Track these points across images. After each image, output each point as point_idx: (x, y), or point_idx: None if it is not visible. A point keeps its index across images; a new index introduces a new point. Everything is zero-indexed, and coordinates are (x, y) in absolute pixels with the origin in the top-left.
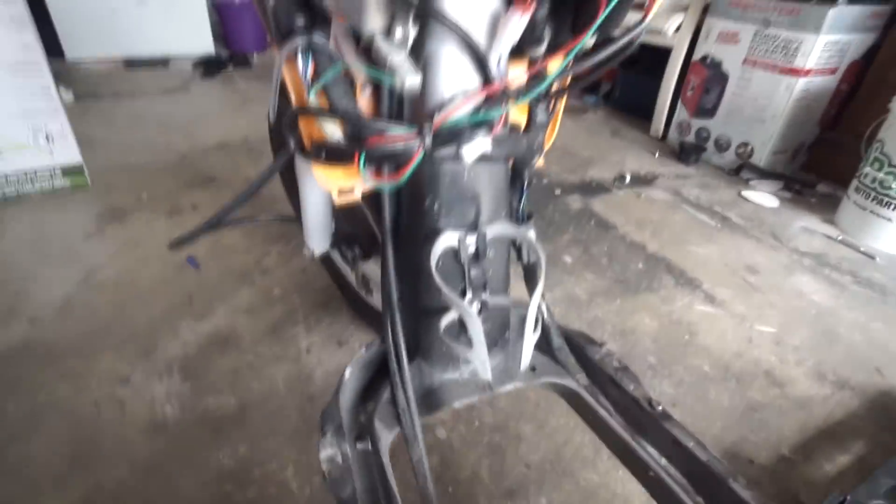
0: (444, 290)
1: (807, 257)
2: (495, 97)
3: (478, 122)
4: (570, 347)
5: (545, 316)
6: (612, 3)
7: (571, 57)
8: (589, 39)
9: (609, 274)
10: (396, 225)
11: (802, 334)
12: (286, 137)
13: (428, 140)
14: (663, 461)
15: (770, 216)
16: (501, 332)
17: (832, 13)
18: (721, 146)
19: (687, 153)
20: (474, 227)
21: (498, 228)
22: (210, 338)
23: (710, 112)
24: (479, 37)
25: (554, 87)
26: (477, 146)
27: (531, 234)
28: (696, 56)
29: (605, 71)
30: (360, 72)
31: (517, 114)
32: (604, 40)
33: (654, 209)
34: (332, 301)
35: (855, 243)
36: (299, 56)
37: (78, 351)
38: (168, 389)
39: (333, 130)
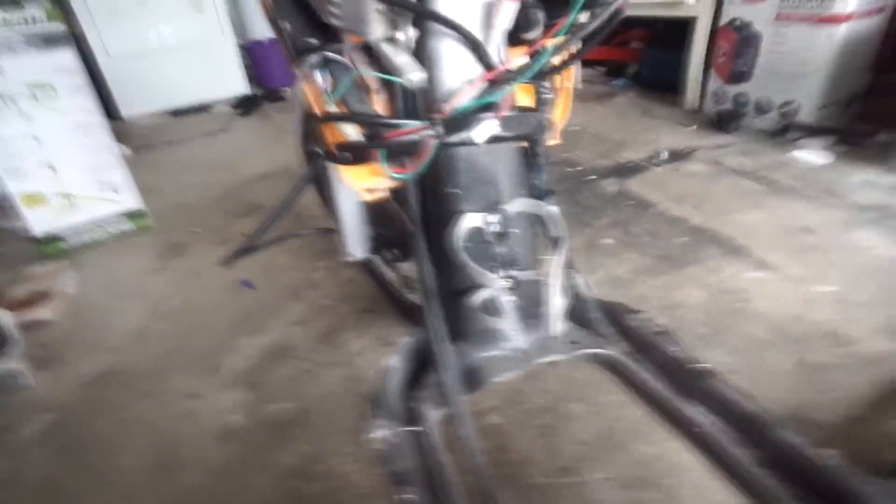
0: (469, 266)
1: (868, 211)
2: (497, 81)
3: (484, 106)
4: (608, 318)
5: (581, 289)
6: None
7: (563, 34)
8: (581, 15)
9: (651, 251)
10: (425, 215)
11: (868, 291)
12: (314, 147)
13: (439, 129)
14: (711, 418)
15: (823, 173)
16: (535, 307)
17: None
18: (762, 108)
19: (725, 121)
20: (496, 206)
21: (519, 205)
22: (268, 350)
23: (745, 76)
24: (475, 28)
25: (556, 64)
26: (486, 128)
27: (553, 208)
28: (723, 21)
29: (597, 43)
30: (372, 77)
31: (524, 95)
32: (592, 14)
33: (695, 182)
34: (377, 306)
35: None
36: (316, 71)
37: (153, 373)
38: (234, 400)
39: (354, 133)
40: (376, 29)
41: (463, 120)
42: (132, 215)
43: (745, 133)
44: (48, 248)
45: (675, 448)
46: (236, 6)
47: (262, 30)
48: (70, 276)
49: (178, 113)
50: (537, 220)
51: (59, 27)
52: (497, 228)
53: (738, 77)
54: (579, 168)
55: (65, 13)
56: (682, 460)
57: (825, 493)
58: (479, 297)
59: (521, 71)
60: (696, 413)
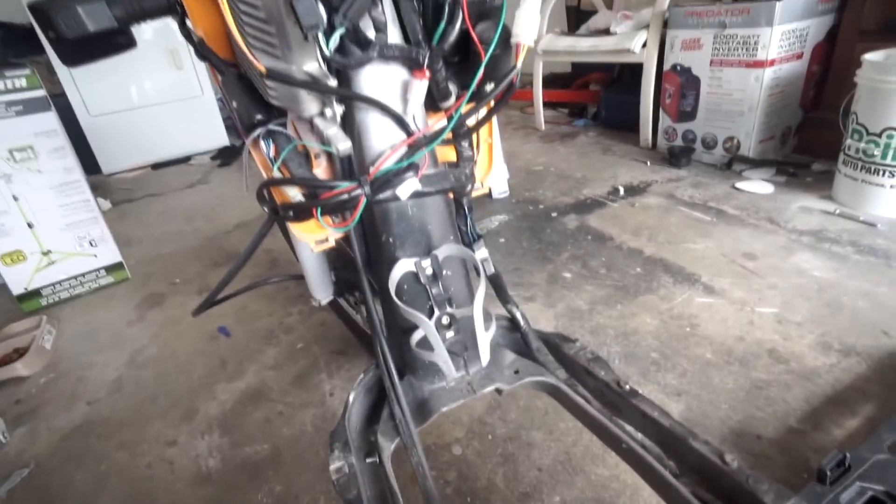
0: (401, 308)
1: (805, 235)
2: (416, 145)
3: (406, 167)
4: (548, 348)
5: (522, 323)
6: (485, 62)
7: (463, 105)
8: (487, 85)
9: (608, 282)
10: (371, 261)
11: (805, 310)
12: (260, 206)
13: (367, 188)
14: (639, 435)
15: (765, 202)
16: (475, 341)
17: (780, 6)
18: (708, 144)
19: (677, 157)
20: (427, 252)
21: (447, 250)
22: (243, 394)
23: (690, 114)
24: (394, 102)
25: (471, 125)
26: (409, 186)
27: (481, 251)
28: (667, 66)
29: (501, 109)
30: (313, 147)
31: (447, 153)
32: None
33: (650, 215)
34: (348, 347)
35: (854, 214)
36: (261, 141)
37: (130, 422)
38: (210, 445)
39: (296, 194)
40: (309, 107)
41: (388, 179)
42: (110, 268)
43: (696, 167)
44: (27, 304)
45: (629, 469)
46: None
47: None
48: (48, 331)
49: (158, 165)
50: (468, 262)
51: (39, 93)
52: (430, 272)
53: (684, 116)
54: (542, 206)
55: (48, 73)
56: (635, 480)
57: (730, 494)
58: (416, 335)
59: (436, 135)
60: (626, 431)
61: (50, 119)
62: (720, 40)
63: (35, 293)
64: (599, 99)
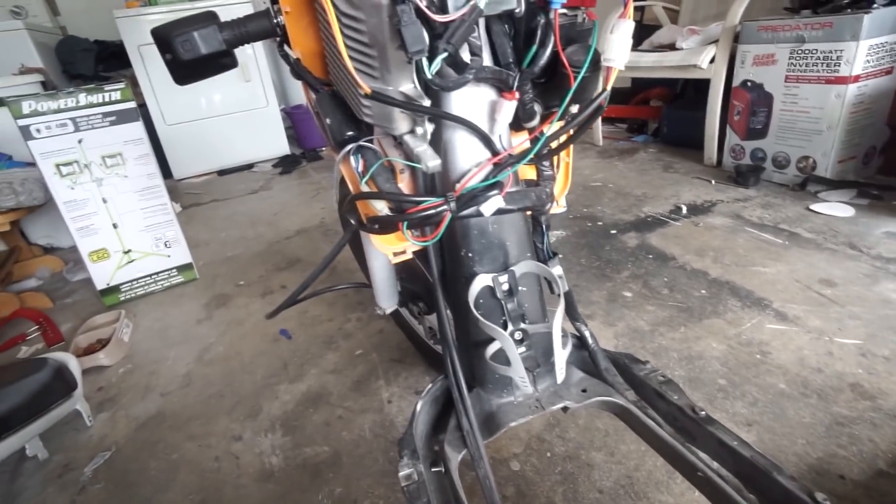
0: (481, 321)
1: (893, 263)
2: (501, 164)
3: (490, 185)
4: (616, 368)
5: (591, 341)
6: (576, 84)
7: (553, 126)
8: (573, 107)
9: (671, 303)
10: (445, 274)
11: (893, 344)
12: (348, 218)
13: (452, 205)
14: (715, 464)
15: (845, 226)
16: (546, 357)
17: (869, 19)
18: (780, 163)
19: (745, 176)
20: (504, 267)
21: (524, 267)
22: (304, 397)
23: (761, 132)
24: (482, 121)
25: (554, 146)
26: (492, 203)
27: (556, 269)
28: (736, 82)
29: (587, 129)
30: (398, 163)
31: (528, 172)
32: (581, 106)
33: (715, 236)
34: (406, 356)
35: None
36: (351, 157)
37: (199, 416)
38: (273, 443)
39: (382, 207)
40: (400, 125)
41: (473, 196)
42: (181, 268)
43: (765, 187)
44: (108, 298)
45: (695, 499)
46: (279, 75)
47: (301, 96)
48: (126, 325)
49: (224, 172)
50: (544, 279)
51: (130, 105)
52: (506, 287)
53: (754, 133)
54: (600, 223)
55: (132, 86)
56: None
57: None
58: (490, 348)
59: (522, 155)
60: (700, 459)
61: (138, 128)
62: (797, 55)
63: (115, 289)
64: (661, 115)
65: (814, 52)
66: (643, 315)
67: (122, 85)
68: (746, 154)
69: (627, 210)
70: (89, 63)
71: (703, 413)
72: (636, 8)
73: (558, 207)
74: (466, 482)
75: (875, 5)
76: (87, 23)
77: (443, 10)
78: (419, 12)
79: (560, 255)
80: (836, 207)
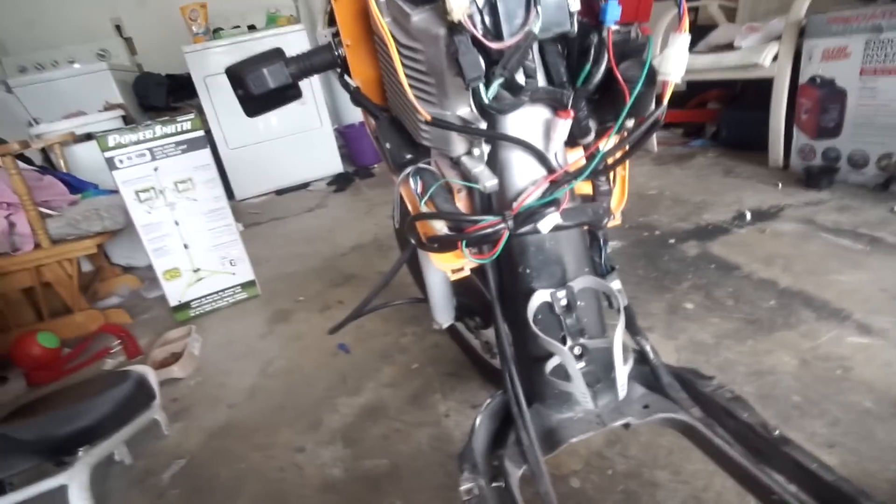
0: (540, 337)
1: None
2: (557, 182)
3: (547, 203)
4: (680, 384)
5: (652, 356)
6: (632, 100)
7: (609, 142)
8: (629, 121)
9: (736, 315)
10: (502, 290)
11: None
12: (408, 237)
13: (510, 223)
14: (793, 488)
15: None
16: (606, 372)
17: None
18: (857, 163)
19: (816, 178)
20: (563, 283)
21: (582, 282)
22: (363, 410)
23: (833, 131)
24: (537, 140)
25: (610, 162)
26: (549, 220)
27: (615, 283)
28: (803, 79)
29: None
30: (455, 183)
31: (584, 187)
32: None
33: (784, 243)
34: (462, 370)
35: None
36: (410, 179)
37: (264, 427)
38: (334, 455)
39: (441, 227)
40: (458, 147)
41: (530, 214)
42: (245, 285)
43: (840, 189)
44: (179, 314)
45: None
46: (332, 96)
47: (353, 115)
48: (196, 339)
49: (281, 192)
50: (603, 294)
51: (199, 133)
52: (564, 302)
53: (825, 132)
54: (657, 232)
55: (200, 114)
56: None
57: None
58: (550, 363)
59: (578, 172)
60: (775, 481)
61: (206, 155)
62: (874, 46)
63: (186, 305)
64: (719, 117)
65: (893, 41)
66: (706, 328)
67: (191, 116)
68: (817, 154)
69: (686, 218)
70: (161, 96)
71: (778, 432)
72: (690, 8)
73: (615, 221)
74: (526, 498)
75: None
76: (159, 59)
77: (498, 37)
78: (475, 41)
79: (618, 268)
80: None
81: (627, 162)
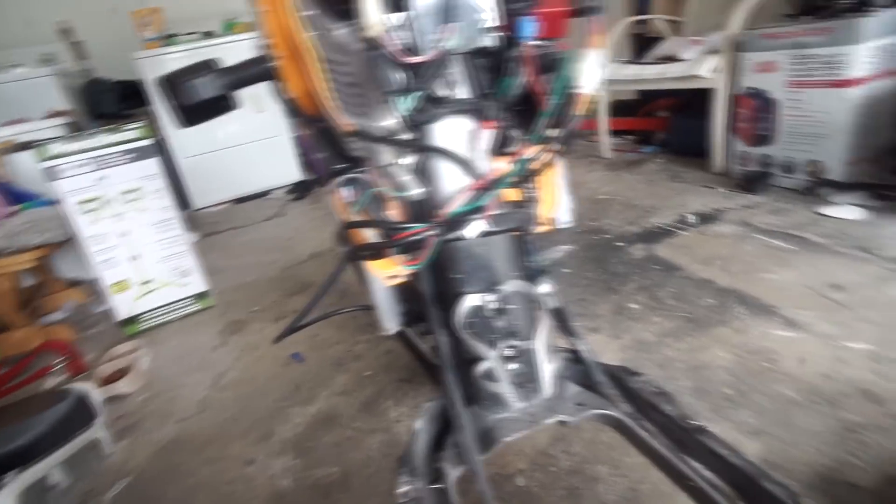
0: (467, 340)
1: None
2: (483, 188)
3: (473, 209)
4: (612, 381)
5: (586, 355)
6: (548, 112)
7: (527, 152)
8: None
9: (677, 314)
10: (440, 295)
11: None
12: (341, 246)
13: (437, 230)
14: (708, 474)
15: (856, 229)
16: (539, 373)
17: (868, 22)
18: (788, 168)
19: (753, 182)
20: (493, 287)
21: (512, 286)
22: (315, 418)
23: (767, 138)
24: (463, 150)
25: (536, 167)
26: (476, 226)
27: (545, 286)
28: (740, 90)
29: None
30: (386, 192)
31: (513, 194)
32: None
33: (722, 244)
34: (415, 376)
35: None
36: (343, 187)
37: (215, 440)
38: (284, 465)
39: (372, 235)
40: (386, 157)
41: (457, 221)
42: (198, 296)
43: (773, 193)
44: (129, 328)
45: None
46: None
47: None
48: (145, 353)
49: (240, 200)
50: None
51: (148, 142)
52: (495, 306)
53: (760, 140)
54: (607, 236)
55: (153, 122)
56: None
57: None
58: (482, 366)
59: (502, 179)
60: (693, 469)
61: (154, 164)
62: (799, 61)
63: (135, 319)
64: (668, 125)
65: (815, 57)
66: (649, 327)
67: (139, 123)
68: (754, 161)
69: (634, 222)
70: (112, 102)
71: (695, 423)
72: (638, 21)
73: (550, 226)
74: (472, 498)
75: (874, 8)
76: (111, 64)
77: (416, 52)
78: (393, 56)
79: (548, 272)
80: (846, 210)
81: (559, 169)
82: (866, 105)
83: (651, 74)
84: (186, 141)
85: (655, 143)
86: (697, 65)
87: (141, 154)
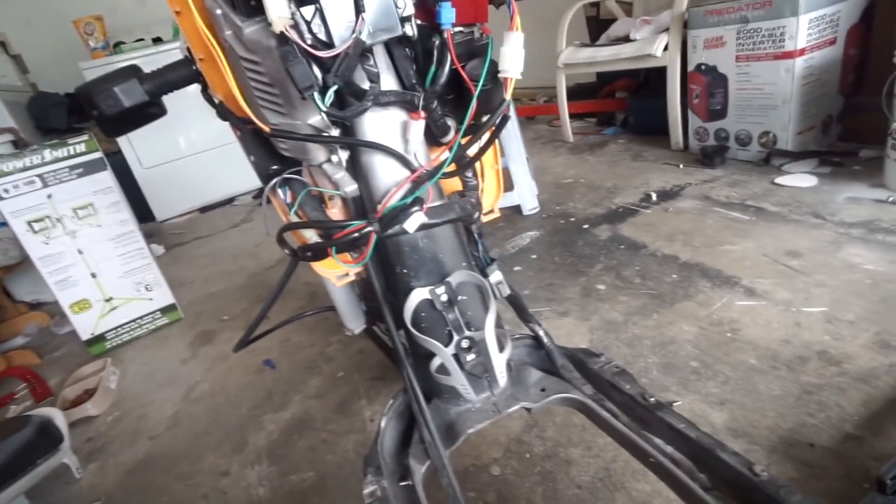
0: (415, 335)
1: (855, 227)
2: (419, 180)
3: (411, 202)
4: (573, 364)
5: (546, 340)
6: (475, 97)
7: (459, 139)
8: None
9: (643, 292)
10: (393, 292)
11: (858, 307)
12: (281, 248)
13: (376, 225)
14: (669, 448)
15: (809, 196)
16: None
17: None
18: (743, 141)
19: (710, 157)
20: (441, 279)
21: (460, 276)
22: (289, 424)
23: (721, 113)
24: (395, 142)
25: (472, 155)
26: (415, 219)
27: (495, 275)
28: (691, 67)
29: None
30: (323, 191)
31: (454, 184)
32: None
33: (684, 219)
34: (387, 373)
35: None
36: (279, 189)
37: (187, 455)
38: (259, 474)
39: (312, 235)
40: (317, 155)
41: (396, 215)
42: (165, 310)
43: (731, 166)
44: (94, 348)
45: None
46: None
47: None
48: (112, 373)
49: (206, 209)
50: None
51: (96, 155)
52: (445, 298)
53: (714, 115)
54: (573, 219)
55: (104, 135)
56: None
57: None
58: (436, 360)
59: (437, 169)
60: (654, 445)
61: (106, 178)
62: (744, 35)
63: (100, 337)
64: (627, 106)
65: (758, 30)
66: (616, 306)
67: (85, 137)
68: (710, 135)
69: (599, 203)
70: (62, 116)
71: (653, 399)
72: (592, 4)
73: (493, 215)
74: (444, 493)
75: None
76: (56, 77)
77: (328, 45)
78: (305, 51)
79: (497, 261)
80: (799, 178)
81: (497, 157)
82: (809, 75)
83: (606, 56)
84: (143, 151)
85: (616, 125)
86: (649, 44)
87: (89, 168)
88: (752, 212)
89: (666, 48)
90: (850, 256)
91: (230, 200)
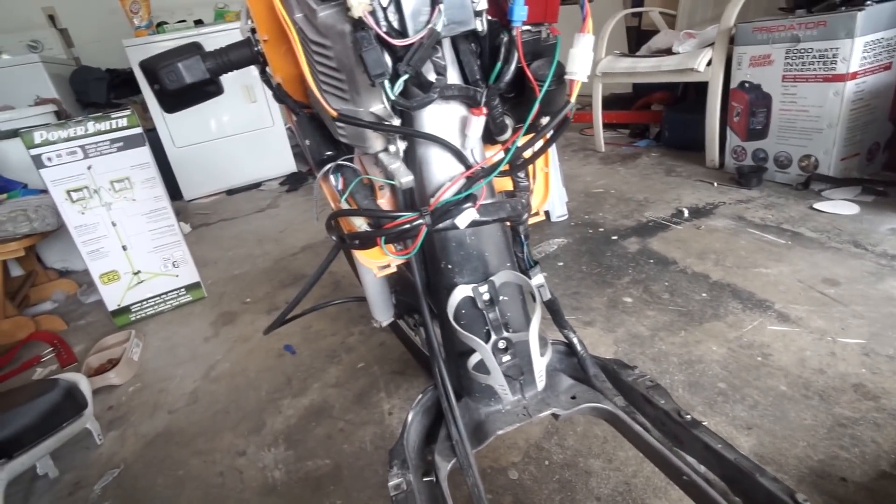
0: (459, 331)
1: None
2: (473, 177)
3: (463, 198)
4: (606, 374)
5: (579, 348)
6: (539, 98)
7: (519, 139)
8: (543, 119)
9: (671, 308)
10: (431, 286)
11: None
12: (329, 235)
13: (427, 218)
14: (702, 468)
15: (849, 224)
16: (531, 365)
17: (862, 16)
18: (782, 163)
19: (747, 177)
20: (484, 278)
21: (504, 276)
22: (307, 410)
23: (761, 133)
24: (453, 137)
25: (527, 157)
26: (467, 216)
27: (537, 278)
28: (734, 84)
29: (556, 141)
30: (376, 180)
31: (505, 183)
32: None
33: (716, 238)
34: (408, 368)
35: None
36: (331, 175)
37: (205, 432)
38: (276, 457)
39: (361, 224)
40: (374, 144)
41: (448, 210)
42: (189, 287)
43: (767, 187)
44: (119, 319)
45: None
46: None
47: None
48: (136, 345)
49: (232, 192)
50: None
51: (137, 130)
52: (487, 297)
53: (754, 134)
54: (602, 229)
55: (142, 111)
56: None
57: None
58: (474, 358)
59: (493, 167)
60: (687, 463)
61: (144, 153)
62: (793, 55)
63: (126, 309)
64: (662, 119)
65: (809, 51)
66: (643, 320)
67: (128, 112)
68: (748, 155)
69: (629, 215)
70: (101, 91)
71: (689, 417)
72: (634, 14)
73: (538, 217)
74: (464, 491)
75: (868, 2)
76: (99, 53)
77: (402, 34)
78: (379, 38)
79: (540, 263)
80: (840, 205)
81: (551, 160)
82: (859, 100)
83: (645, 67)
84: (177, 131)
85: (650, 137)
86: (692, 58)
87: (129, 143)
88: (788, 236)
89: (709, 63)
90: (891, 289)
91: (257, 185)
